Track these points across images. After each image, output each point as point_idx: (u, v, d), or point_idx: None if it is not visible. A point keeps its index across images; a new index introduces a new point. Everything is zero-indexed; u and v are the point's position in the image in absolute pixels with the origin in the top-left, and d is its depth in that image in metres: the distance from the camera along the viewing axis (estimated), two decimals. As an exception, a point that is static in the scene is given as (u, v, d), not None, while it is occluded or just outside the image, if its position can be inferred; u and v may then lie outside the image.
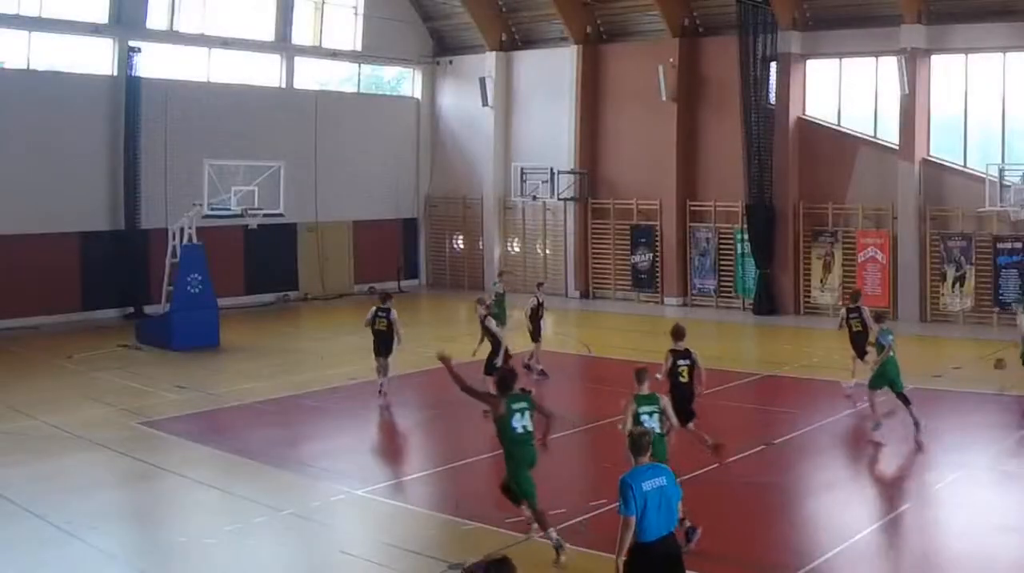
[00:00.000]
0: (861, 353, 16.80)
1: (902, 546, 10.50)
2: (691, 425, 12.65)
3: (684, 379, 12.61)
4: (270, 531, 11.13)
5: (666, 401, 10.65)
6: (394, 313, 17.21)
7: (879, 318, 15.67)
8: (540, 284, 20.57)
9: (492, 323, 16.89)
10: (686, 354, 12.71)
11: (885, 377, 14.58)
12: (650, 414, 10.31)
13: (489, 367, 16.02)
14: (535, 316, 19.13)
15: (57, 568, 10.10)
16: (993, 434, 14.67)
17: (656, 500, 7.52)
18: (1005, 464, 13.10)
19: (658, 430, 10.21)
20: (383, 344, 17.14)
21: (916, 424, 14.23)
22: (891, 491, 12.47)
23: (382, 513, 11.87)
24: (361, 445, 14.96)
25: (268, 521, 11.32)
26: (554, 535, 9.96)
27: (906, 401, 14.42)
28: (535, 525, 10.36)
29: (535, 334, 19.24)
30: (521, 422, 10.21)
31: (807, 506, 12.14)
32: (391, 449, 14.93)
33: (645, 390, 10.49)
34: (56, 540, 10.67)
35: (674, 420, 10.64)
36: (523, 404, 10.35)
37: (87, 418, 15.98)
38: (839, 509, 11.61)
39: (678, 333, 12.76)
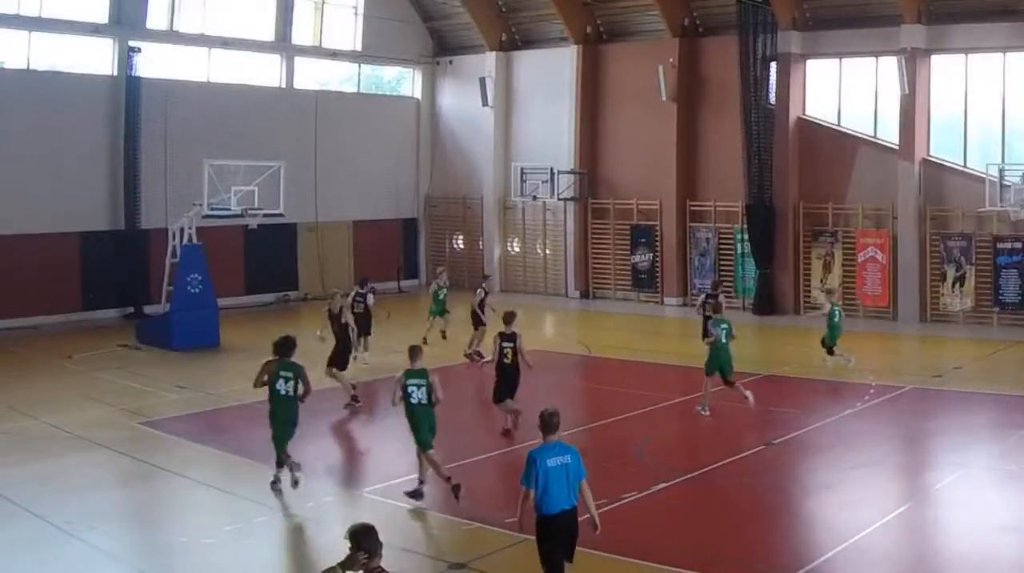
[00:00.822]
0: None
1: (902, 546, 10.50)
2: (508, 402, 14.22)
3: (508, 360, 14.17)
4: (270, 531, 11.14)
5: (435, 377, 11.62)
6: (371, 298, 19.30)
7: (716, 309, 16.91)
8: (486, 277, 22.65)
9: (350, 317, 17.99)
10: (511, 337, 14.26)
11: (715, 363, 15.98)
12: (417, 387, 11.44)
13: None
14: (481, 306, 20.56)
15: (57, 568, 10.10)
16: (993, 434, 14.68)
17: (559, 476, 8.07)
18: (1005, 464, 13.09)
19: (424, 402, 11.44)
20: (361, 326, 18.74)
21: (745, 398, 15.82)
22: (891, 491, 12.46)
23: (382, 513, 11.85)
24: (360, 445, 14.96)
25: (268, 521, 11.32)
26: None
27: (730, 385, 16.00)
28: None
29: (477, 323, 20.61)
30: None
31: (807, 506, 12.14)
32: (391, 449, 14.91)
33: (417, 366, 11.66)
34: (56, 540, 10.67)
35: (440, 393, 11.59)
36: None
37: (87, 418, 15.98)
38: (839, 509, 11.60)
39: (508, 318, 14.42)
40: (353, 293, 19.35)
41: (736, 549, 10.46)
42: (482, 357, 20.10)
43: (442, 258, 33.97)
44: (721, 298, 18.71)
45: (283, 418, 11.96)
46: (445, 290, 23.21)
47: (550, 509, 8.08)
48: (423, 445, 11.59)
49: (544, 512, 8.08)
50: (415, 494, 11.74)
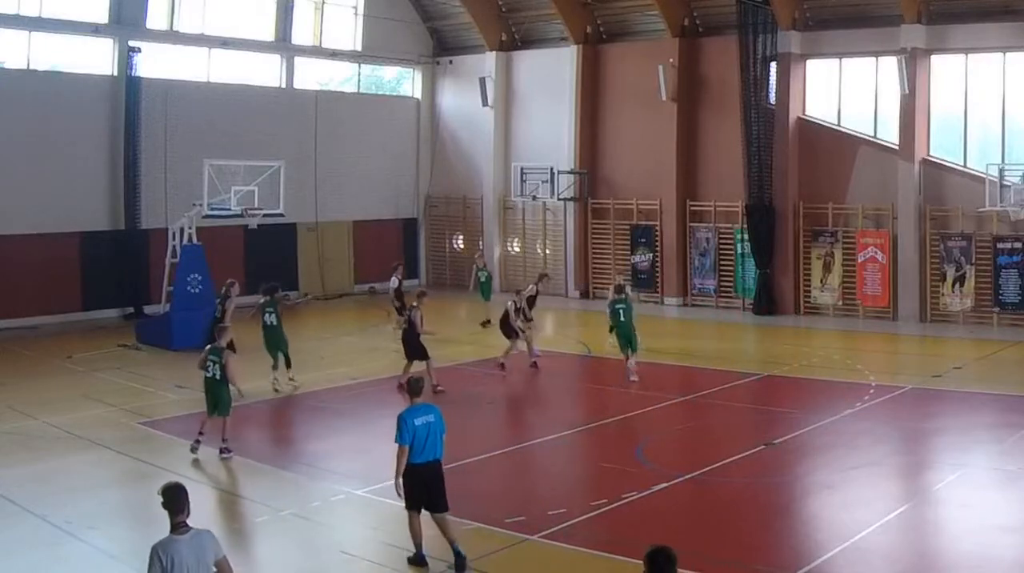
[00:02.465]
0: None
1: (902, 546, 10.49)
2: (425, 364, 17.34)
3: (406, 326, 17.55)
4: (270, 531, 11.13)
5: (226, 355, 13.81)
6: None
7: (619, 289, 19.59)
8: (397, 266, 24.67)
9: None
10: (412, 310, 17.64)
11: (621, 339, 18.61)
12: (213, 363, 13.73)
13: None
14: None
15: (57, 568, 10.10)
16: (993, 434, 14.67)
17: (424, 432, 9.74)
18: (1005, 464, 13.09)
19: (218, 377, 13.68)
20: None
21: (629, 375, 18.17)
22: (891, 491, 12.46)
23: (382, 513, 11.86)
24: (361, 445, 14.95)
25: (268, 521, 11.32)
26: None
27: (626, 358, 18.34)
28: None
29: (400, 310, 22.20)
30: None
31: (807, 506, 12.14)
32: (391, 449, 14.89)
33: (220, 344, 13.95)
34: (56, 540, 10.68)
35: (230, 373, 13.73)
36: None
37: (87, 418, 15.99)
38: (839, 509, 11.60)
39: (420, 296, 18.32)
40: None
41: (736, 549, 10.46)
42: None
43: (442, 258, 34.03)
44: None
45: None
46: (486, 273, 24.24)
47: (417, 459, 9.73)
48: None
49: (412, 461, 9.73)
50: None
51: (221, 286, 19.79)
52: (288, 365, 18.34)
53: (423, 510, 9.93)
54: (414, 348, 17.81)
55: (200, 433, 13.95)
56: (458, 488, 12.73)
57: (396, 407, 16.96)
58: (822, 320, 25.83)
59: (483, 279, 26.15)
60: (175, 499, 6.67)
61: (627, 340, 18.48)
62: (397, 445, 9.72)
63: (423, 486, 9.80)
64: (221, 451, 13.81)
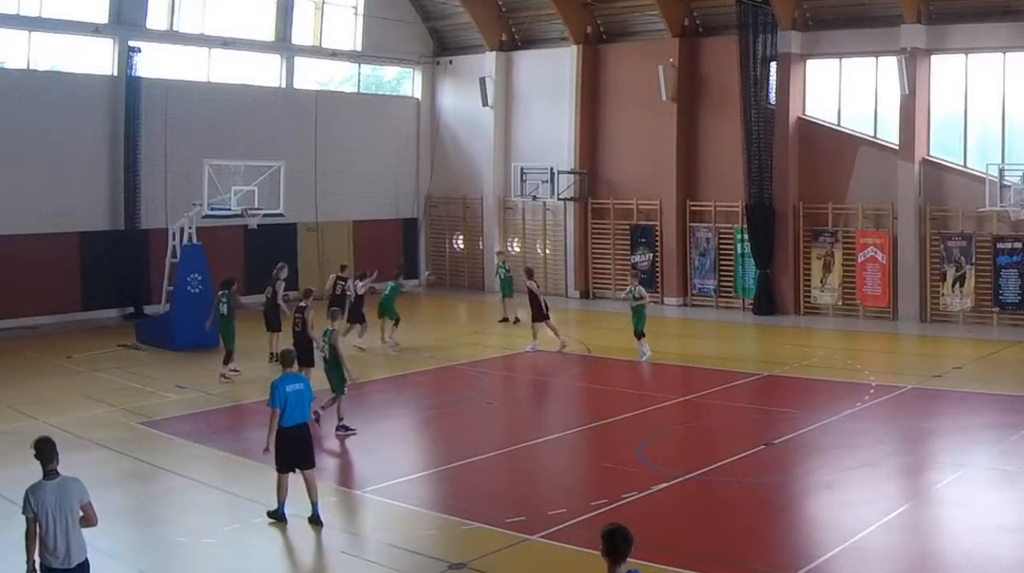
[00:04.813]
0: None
1: (902, 546, 10.50)
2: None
3: (299, 329, 17.22)
4: (270, 531, 11.13)
5: (330, 334, 14.92)
6: (349, 282, 21.52)
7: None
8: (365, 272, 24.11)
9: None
10: (302, 310, 17.38)
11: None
12: (325, 345, 14.88)
13: None
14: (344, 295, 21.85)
15: (57, 568, 10.08)
16: (993, 434, 14.66)
17: (295, 399, 10.96)
18: (1005, 464, 13.09)
19: (328, 357, 14.82)
20: (338, 306, 18.80)
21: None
22: (891, 491, 12.45)
23: (382, 513, 11.87)
24: (361, 445, 14.95)
25: (268, 521, 11.31)
26: None
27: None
28: None
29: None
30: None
31: (807, 506, 12.14)
32: (391, 449, 14.92)
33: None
34: (56, 540, 10.65)
35: (339, 354, 14.84)
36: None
37: (87, 418, 15.98)
38: (839, 509, 11.60)
39: (306, 293, 18.05)
40: (333, 277, 21.42)
41: (736, 549, 10.46)
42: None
43: (442, 258, 34.04)
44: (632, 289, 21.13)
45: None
46: (505, 270, 24.41)
47: (288, 422, 10.95)
48: None
49: (283, 425, 10.93)
50: None
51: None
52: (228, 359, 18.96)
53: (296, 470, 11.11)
54: (306, 353, 16.72)
55: (340, 417, 14.94)
56: (458, 488, 12.82)
57: (396, 407, 17.13)
58: (822, 320, 25.82)
59: (503, 276, 26.16)
60: (44, 450, 7.85)
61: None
62: (269, 408, 11.01)
63: (293, 448, 11.02)
64: (337, 429, 14.93)
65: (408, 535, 11.04)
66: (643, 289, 21.32)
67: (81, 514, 7.71)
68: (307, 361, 16.58)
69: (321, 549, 10.72)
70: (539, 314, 21.54)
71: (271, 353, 19.79)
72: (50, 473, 7.79)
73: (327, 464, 13.75)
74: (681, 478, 12.73)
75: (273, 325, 20.33)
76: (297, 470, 11.09)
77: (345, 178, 31.58)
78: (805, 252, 26.53)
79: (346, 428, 14.96)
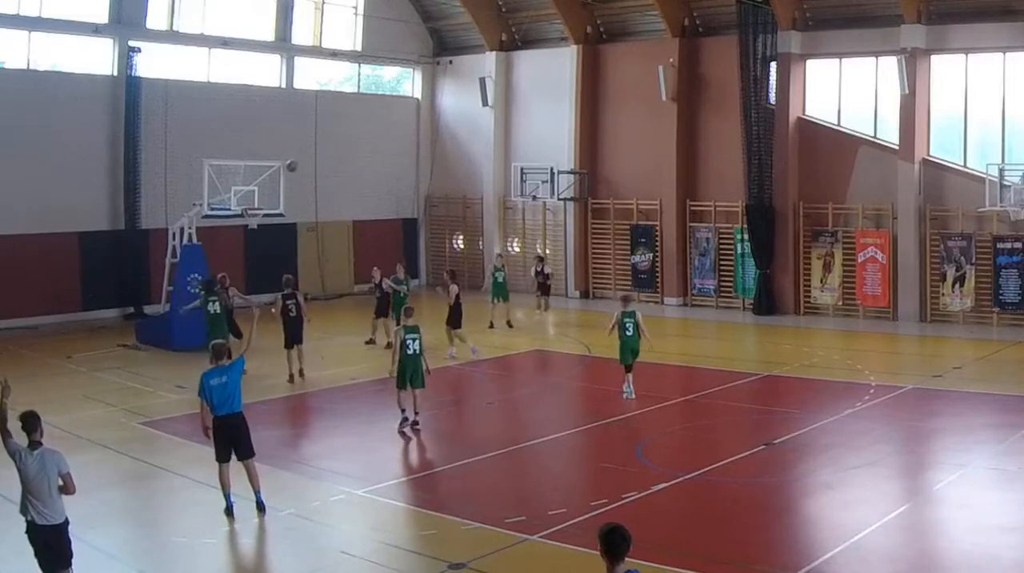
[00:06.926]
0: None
1: (902, 546, 10.49)
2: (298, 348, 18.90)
3: (292, 314, 18.86)
4: (270, 531, 11.13)
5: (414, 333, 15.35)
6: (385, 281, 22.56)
7: (625, 301, 19.05)
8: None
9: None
10: (291, 295, 19.02)
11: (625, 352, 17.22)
12: (413, 340, 15.21)
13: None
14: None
15: (57, 568, 10.08)
16: (993, 434, 14.67)
17: (220, 391, 11.40)
18: (1005, 464, 13.09)
19: (419, 352, 15.19)
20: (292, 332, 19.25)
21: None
22: (891, 491, 12.45)
23: (382, 513, 11.86)
24: (361, 445, 14.96)
25: (268, 521, 11.32)
26: None
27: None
28: None
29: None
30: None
31: (807, 506, 12.14)
32: (391, 449, 14.92)
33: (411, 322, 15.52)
34: (56, 540, 10.65)
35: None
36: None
37: (87, 418, 15.99)
38: (839, 509, 11.60)
39: (287, 282, 19.45)
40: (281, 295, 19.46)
41: (736, 549, 10.45)
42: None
43: (442, 258, 34.03)
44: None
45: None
46: (502, 273, 24.25)
47: (218, 412, 11.41)
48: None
49: (215, 414, 11.41)
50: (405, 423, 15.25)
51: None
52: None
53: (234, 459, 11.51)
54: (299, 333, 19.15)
55: (402, 410, 15.27)
56: (458, 488, 12.82)
57: (395, 407, 17.13)
58: (822, 320, 25.82)
59: (499, 279, 25.25)
60: (29, 423, 8.75)
61: (632, 354, 17.13)
62: (200, 399, 11.58)
63: (228, 437, 11.41)
64: (413, 424, 15.29)
65: (408, 535, 11.05)
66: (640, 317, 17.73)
67: (61, 483, 8.62)
68: (298, 339, 18.77)
69: (321, 549, 10.71)
70: (455, 321, 21.22)
71: (291, 372, 19.09)
72: (33, 444, 8.62)
73: (327, 464, 13.76)
74: (681, 478, 12.73)
75: (294, 338, 19.24)
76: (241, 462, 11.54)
77: (345, 178, 31.59)
78: (805, 252, 26.53)
79: (415, 423, 15.37)
